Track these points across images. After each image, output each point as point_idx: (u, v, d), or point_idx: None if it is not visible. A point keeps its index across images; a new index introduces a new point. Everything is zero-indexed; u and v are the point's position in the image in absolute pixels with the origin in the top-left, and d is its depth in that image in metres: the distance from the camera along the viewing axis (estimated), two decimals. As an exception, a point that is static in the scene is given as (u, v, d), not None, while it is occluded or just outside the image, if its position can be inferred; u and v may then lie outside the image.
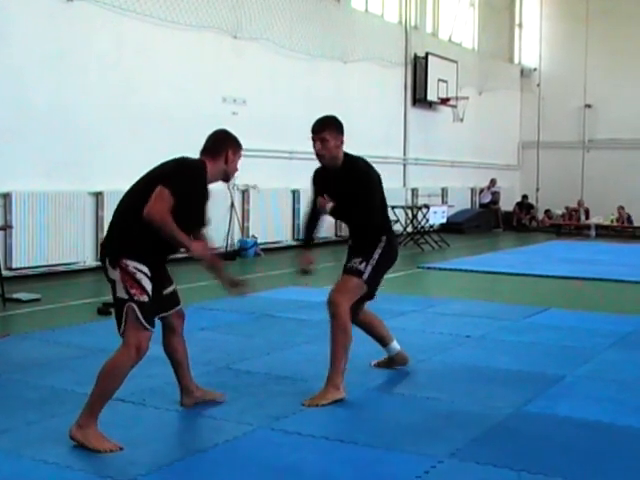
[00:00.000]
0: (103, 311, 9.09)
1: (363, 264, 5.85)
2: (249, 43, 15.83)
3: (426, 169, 22.32)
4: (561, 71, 27.13)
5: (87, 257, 12.87)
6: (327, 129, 5.85)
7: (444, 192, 23.35)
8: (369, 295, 6.08)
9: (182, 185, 4.82)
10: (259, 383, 6.16)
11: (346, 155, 5.98)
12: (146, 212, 4.64)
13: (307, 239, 6.31)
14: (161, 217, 4.65)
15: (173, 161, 5.12)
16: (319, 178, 6.11)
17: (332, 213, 5.92)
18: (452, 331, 8.40)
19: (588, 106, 26.90)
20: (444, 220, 19.98)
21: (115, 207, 4.95)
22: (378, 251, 5.92)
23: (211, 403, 5.52)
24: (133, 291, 4.69)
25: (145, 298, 4.72)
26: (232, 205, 15.52)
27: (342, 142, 5.92)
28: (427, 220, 18.61)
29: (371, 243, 5.94)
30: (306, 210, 6.47)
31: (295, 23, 16.96)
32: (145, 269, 4.75)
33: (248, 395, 5.78)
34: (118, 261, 4.72)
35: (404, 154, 21.60)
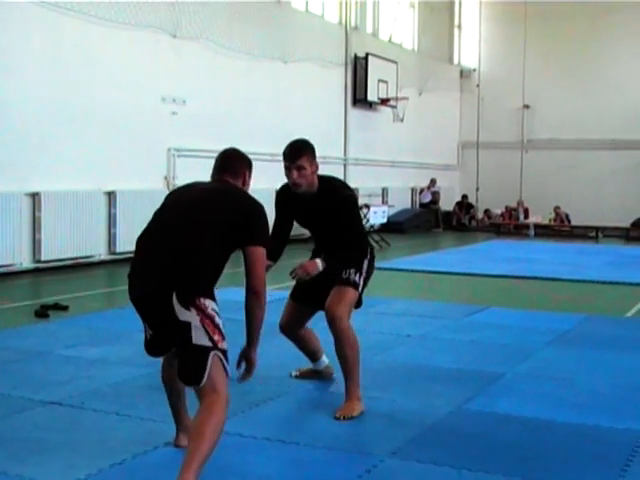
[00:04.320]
0: (41, 314, 8.97)
1: (357, 275, 5.61)
2: (188, 42, 15.73)
3: (366, 169, 22.38)
4: (500, 72, 27.39)
5: (24, 259, 12.68)
6: (304, 155, 5.36)
7: (384, 192, 23.42)
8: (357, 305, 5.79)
9: (266, 236, 4.37)
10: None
11: (318, 177, 5.52)
12: (257, 285, 4.21)
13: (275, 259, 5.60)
14: (265, 289, 4.27)
15: (246, 200, 4.34)
16: (288, 200, 5.63)
17: (315, 238, 5.80)
18: (393, 330, 8.43)
19: (526, 107, 27.20)
20: (384, 220, 20.06)
21: (161, 233, 4.23)
22: (366, 262, 5.70)
23: (151, 404, 5.46)
24: (216, 337, 4.06)
25: (225, 345, 4.12)
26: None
27: (317, 167, 5.45)
28: (368, 220, 18.66)
29: (359, 254, 5.65)
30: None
31: (235, 23, 16.89)
32: (218, 310, 4.19)
33: (189, 397, 5.73)
34: (194, 300, 4.05)
35: (344, 154, 21.64)
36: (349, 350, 5.47)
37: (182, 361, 4.10)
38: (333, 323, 5.46)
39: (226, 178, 4.48)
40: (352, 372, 5.49)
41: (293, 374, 6.34)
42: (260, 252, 4.22)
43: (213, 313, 4.09)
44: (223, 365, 4.06)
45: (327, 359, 6.24)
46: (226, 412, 4.01)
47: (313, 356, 6.22)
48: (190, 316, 4.01)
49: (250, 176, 4.61)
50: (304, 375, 6.32)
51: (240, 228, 4.18)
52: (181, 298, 4.02)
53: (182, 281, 4.05)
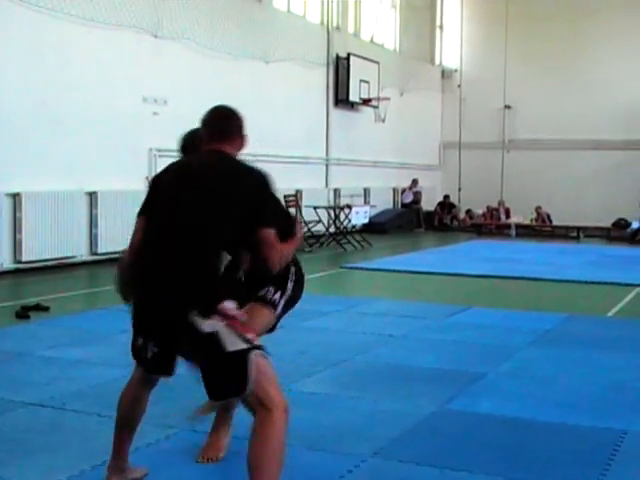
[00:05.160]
0: (22, 315, 8.92)
1: (278, 294, 4.45)
2: (170, 42, 15.68)
3: (348, 169, 22.37)
4: (481, 72, 27.44)
5: (4, 259, 12.61)
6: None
7: (366, 192, 23.42)
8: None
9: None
10: (180, 386, 6.09)
11: None
12: (276, 266, 3.82)
13: None
14: (288, 256, 3.95)
15: (253, 179, 3.81)
16: None
17: None
18: (375, 330, 8.44)
19: (508, 107, 27.26)
20: (366, 220, 20.06)
21: (159, 239, 3.78)
22: (291, 282, 4.52)
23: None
24: (250, 335, 3.63)
25: (259, 340, 3.72)
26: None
27: None
28: (349, 220, 18.68)
29: (284, 270, 4.33)
30: None
31: (216, 23, 16.85)
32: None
33: (169, 398, 5.72)
34: (214, 307, 3.60)
35: (326, 154, 21.62)
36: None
37: (214, 375, 3.61)
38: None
39: (222, 147, 3.90)
40: None
41: (195, 414, 4.81)
42: (274, 236, 3.74)
43: (234, 310, 3.67)
44: (266, 360, 3.61)
45: None
46: (285, 424, 3.54)
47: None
48: (214, 325, 3.56)
49: (246, 137, 4.04)
50: (204, 412, 4.72)
51: (252, 210, 3.72)
52: (200, 311, 3.58)
53: (199, 293, 3.62)
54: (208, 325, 3.55)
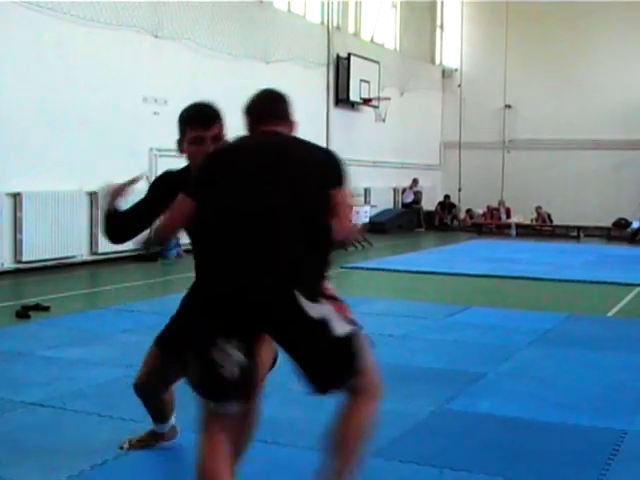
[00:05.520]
0: (22, 314, 8.92)
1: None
2: (170, 43, 15.69)
3: (349, 169, 22.30)
4: (482, 72, 27.45)
5: (5, 259, 12.62)
6: (219, 119, 4.28)
7: (366, 192, 23.41)
8: None
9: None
10: (182, 385, 6.09)
11: None
12: (345, 236, 3.54)
13: None
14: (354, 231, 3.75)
15: (327, 155, 3.86)
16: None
17: None
18: (375, 330, 8.41)
19: (508, 107, 27.26)
20: (367, 220, 20.05)
21: (259, 217, 3.45)
22: None
23: (132, 405, 5.44)
24: (351, 315, 3.52)
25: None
26: (154, 206, 15.36)
27: None
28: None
29: None
30: None
31: (217, 23, 16.86)
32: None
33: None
34: (319, 289, 3.44)
35: (327, 154, 21.58)
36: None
37: (323, 362, 3.42)
38: None
39: (277, 129, 3.69)
40: None
41: (124, 446, 4.70)
42: (345, 195, 3.61)
43: (333, 290, 3.49)
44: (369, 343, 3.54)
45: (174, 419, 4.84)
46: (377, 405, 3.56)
47: (161, 417, 4.73)
48: (322, 309, 3.37)
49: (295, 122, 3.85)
50: (139, 444, 4.74)
51: (328, 176, 3.64)
52: (307, 293, 3.36)
53: (303, 272, 3.40)
54: (316, 309, 3.35)
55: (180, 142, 4.16)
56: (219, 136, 4.06)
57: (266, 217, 3.41)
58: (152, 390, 4.50)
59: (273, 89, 3.94)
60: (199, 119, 4.11)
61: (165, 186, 4.15)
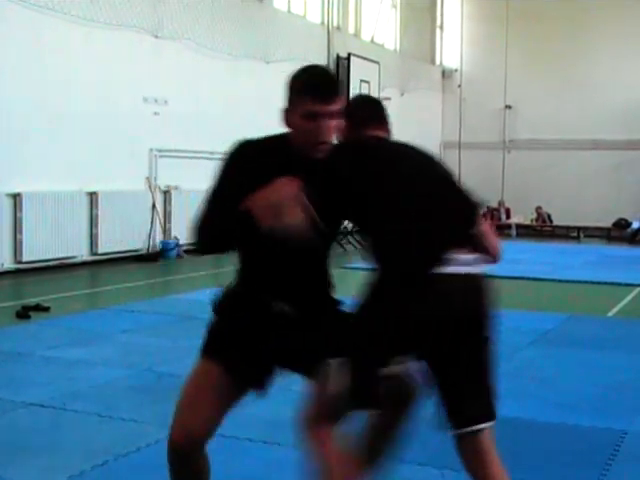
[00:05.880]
0: (22, 315, 8.92)
1: None
2: (170, 43, 15.68)
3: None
4: (482, 72, 27.44)
5: (5, 260, 12.61)
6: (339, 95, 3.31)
7: (367, 192, 23.39)
8: None
9: None
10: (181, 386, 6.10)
11: None
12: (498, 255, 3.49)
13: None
14: None
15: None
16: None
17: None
18: (375, 330, 8.42)
19: (508, 107, 27.24)
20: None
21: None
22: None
23: (133, 405, 5.44)
24: None
25: None
26: (154, 206, 15.35)
27: None
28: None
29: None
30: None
31: (217, 23, 16.86)
32: None
33: (171, 398, 5.72)
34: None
35: (327, 154, 21.59)
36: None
37: (477, 391, 3.31)
38: None
39: (379, 134, 3.59)
40: None
41: None
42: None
43: None
44: None
45: None
46: None
47: None
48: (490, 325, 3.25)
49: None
50: None
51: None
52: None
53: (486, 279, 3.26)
54: (488, 324, 3.25)
55: (287, 112, 3.48)
56: (340, 112, 3.30)
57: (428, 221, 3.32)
58: (199, 446, 3.50)
59: (368, 95, 3.78)
60: (319, 91, 3.32)
61: (249, 165, 3.34)
